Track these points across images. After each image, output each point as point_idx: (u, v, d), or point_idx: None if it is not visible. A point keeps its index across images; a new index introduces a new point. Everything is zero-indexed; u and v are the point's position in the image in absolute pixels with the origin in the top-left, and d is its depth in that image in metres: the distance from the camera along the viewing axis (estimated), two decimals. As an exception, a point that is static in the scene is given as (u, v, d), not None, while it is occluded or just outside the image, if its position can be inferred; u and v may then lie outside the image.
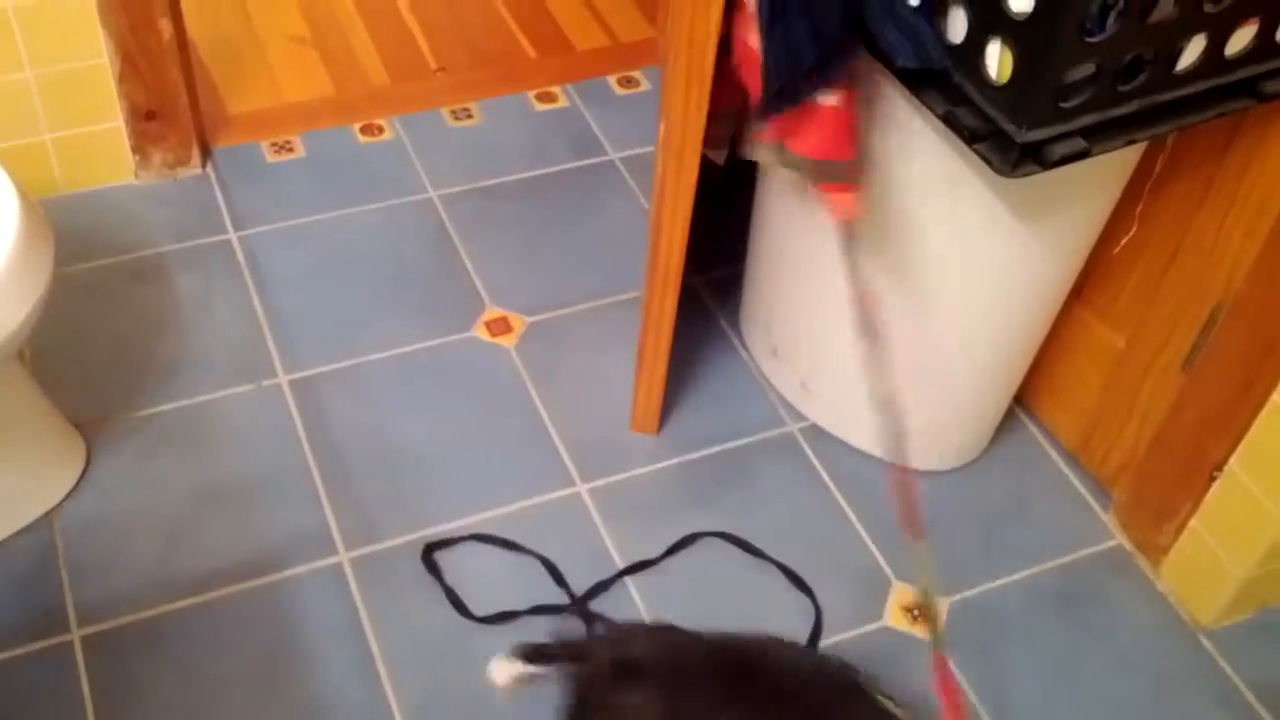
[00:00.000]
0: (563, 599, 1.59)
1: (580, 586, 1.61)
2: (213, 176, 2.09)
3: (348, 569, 1.60)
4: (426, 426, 1.77)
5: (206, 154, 2.12)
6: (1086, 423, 1.76)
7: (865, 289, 1.44)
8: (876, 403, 1.43)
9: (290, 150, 2.15)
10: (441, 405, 1.80)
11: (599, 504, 1.71)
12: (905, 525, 1.46)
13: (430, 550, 1.62)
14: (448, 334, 1.89)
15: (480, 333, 1.90)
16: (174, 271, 1.94)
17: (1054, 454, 1.83)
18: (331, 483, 1.69)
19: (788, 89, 1.35)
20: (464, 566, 1.62)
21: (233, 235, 2.00)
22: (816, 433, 1.82)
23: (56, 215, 1.85)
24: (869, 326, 1.44)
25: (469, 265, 1.99)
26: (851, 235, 1.44)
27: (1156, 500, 1.66)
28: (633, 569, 1.63)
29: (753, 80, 1.36)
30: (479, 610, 1.56)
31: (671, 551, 1.66)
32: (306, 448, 1.73)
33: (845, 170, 1.41)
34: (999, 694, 1.56)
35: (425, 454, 1.74)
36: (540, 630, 1.55)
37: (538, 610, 1.57)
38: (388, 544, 1.63)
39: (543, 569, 1.62)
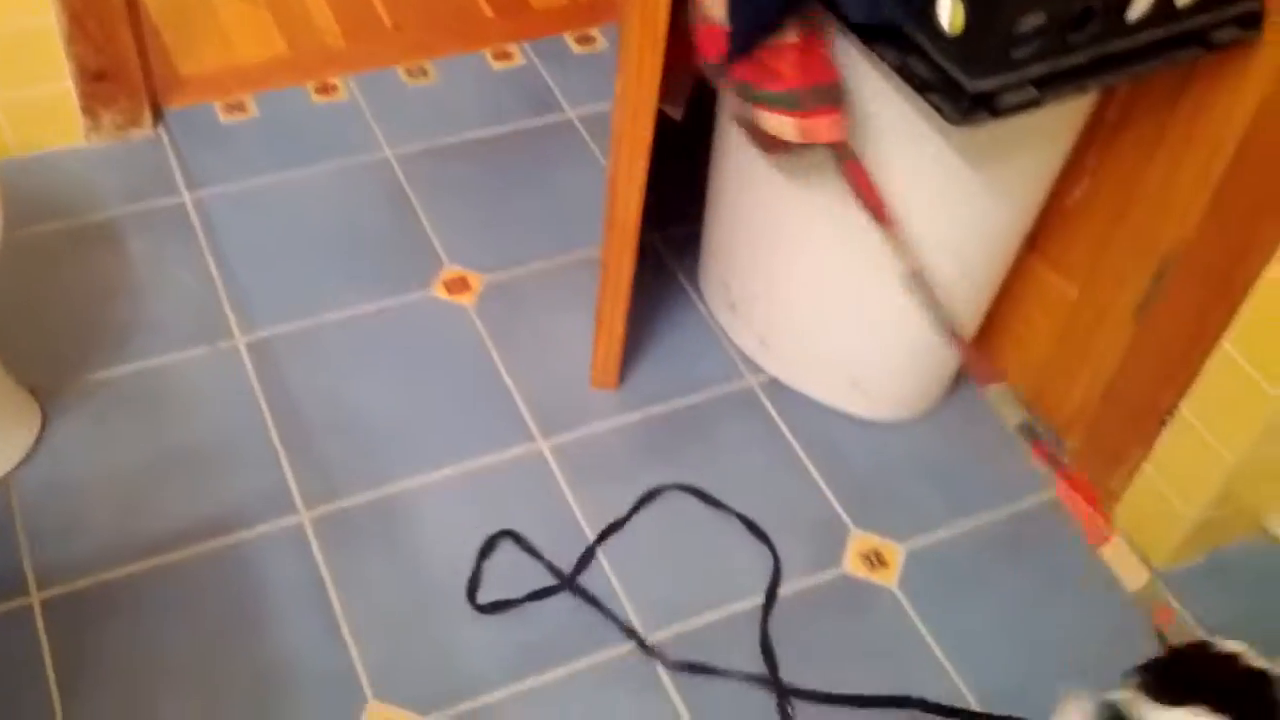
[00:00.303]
0: (533, 563, 1.60)
1: (547, 545, 1.61)
2: (165, 138, 2.07)
3: (308, 529, 1.60)
4: (386, 386, 1.77)
5: (158, 115, 2.09)
6: (1039, 372, 1.79)
7: (868, 175, 1.43)
8: (907, 283, 1.45)
9: (243, 111, 2.13)
10: (400, 364, 1.80)
11: (560, 460, 1.71)
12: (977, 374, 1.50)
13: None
14: (406, 293, 1.89)
15: (438, 292, 1.90)
16: (127, 234, 1.92)
17: (1009, 402, 1.85)
18: (290, 443, 1.69)
19: (750, 42, 1.35)
20: (427, 527, 1.62)
21: (186, 197, 1.98)
22: (775, 386, 1.83)
23: (6, 178, 1.84)
24: (880, 212, 1.45)
25: (426, 225, 1.99)
26: (841, 156, 1.44)
27: (1109, 446, 1.68)
28: (605, 534, 1.64)
29: (710, 44, 1.37)
30: (445, 577, 1.57)
31: (637, 509, 1.67)
32: (264, 409, 1.72)
33: (827, 93, 1.40)
34: (955, 641, 1.58)
35: (385, 413, 1.74)
36: (537, 614, 1.57)
37: (534, 596, 1.56)
38: (349, 502, 1.64)
39: (510, 522, 1.63)
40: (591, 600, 1.56)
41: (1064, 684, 1.23)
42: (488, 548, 1.60)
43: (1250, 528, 1.71)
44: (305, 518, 1.61)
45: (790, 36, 1.35)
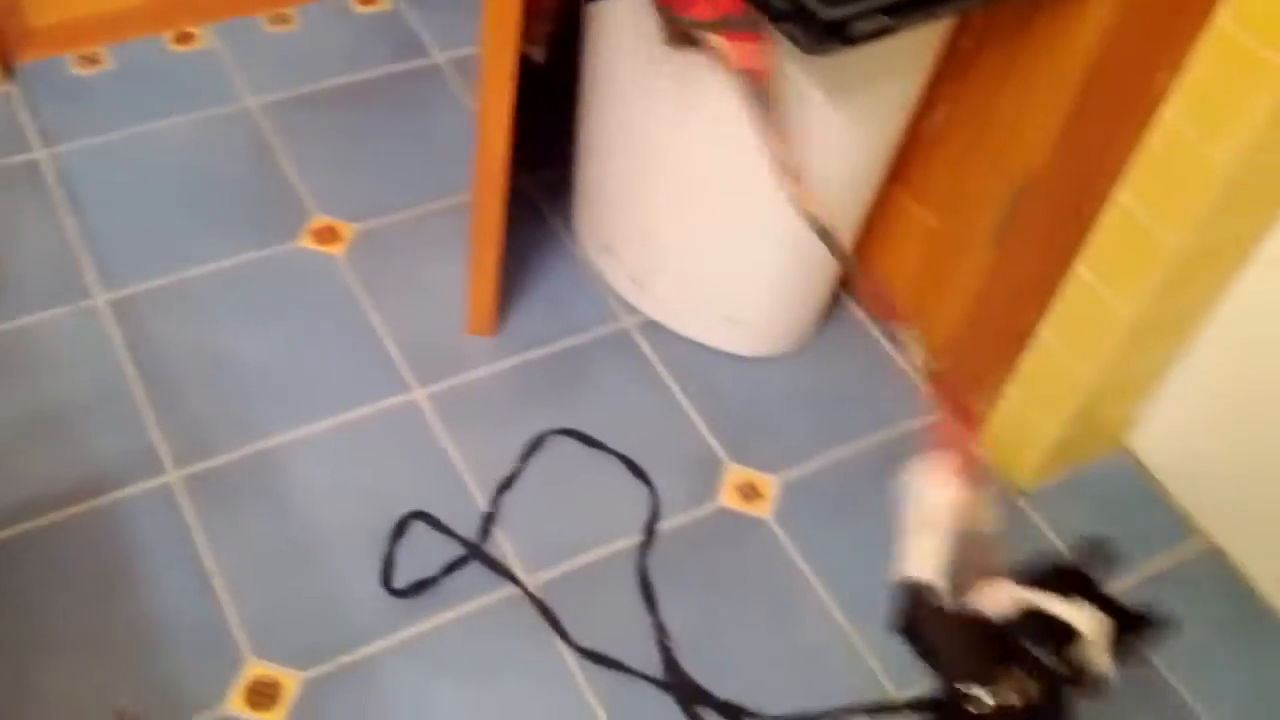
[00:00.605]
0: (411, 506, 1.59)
1: (428, 495, 1.61)
2: (16, 93, 1.99)
3: (179, 487, 1.58)
4: (255, 339, 1.74)
5: (8, 70, 2.01)
6: (908, 301, 1.82)
7: (777, 131, 1.43)
8: (816, 232, 1.43)
9: (98, 62, 2.06)
10: (270, 317, 1.77)
11: (437, 408, 1.70)
12: (882, 312, 1.50)
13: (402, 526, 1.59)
14: (273, 245, 1.85)
15: (307, 242, 1.87)
16: (-22, 193, 1.86)
17: (878, 334, 1.88)
18: (158, 402, 1.65)
19: None
20: (302, 481, 1.61)
21: (41, 153, 1.92)
22: (651, 327, 1.84)
23: None
24: (789, 168, 1.45)
25: (292, 174, 1.95)
26: (760, 87, 1.43)
27: (974, 370, 1.73)
28: (501, 489, 1.63)
29: None
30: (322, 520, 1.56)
31: (525, 459, 1.67)
32: (130, 368, 1.68)
33: (743, 22, 1.39)
34: (831, 565, 1.62)
35: (255, 367, 1.71)
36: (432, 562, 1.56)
37: (449, 569, 1.54)
38: (220, 460, 1.61)
39: (390, 480, 1.62)
40: (495, 565, 1.55)
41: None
42: (396, 532, 1.57)
43: (1109, 445, 1.77)
44: (175, 476, 1.59)
45: None
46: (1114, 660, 1.21)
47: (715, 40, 1.39)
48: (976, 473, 1.32)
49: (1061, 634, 1.20)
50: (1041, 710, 1.19)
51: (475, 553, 1.56)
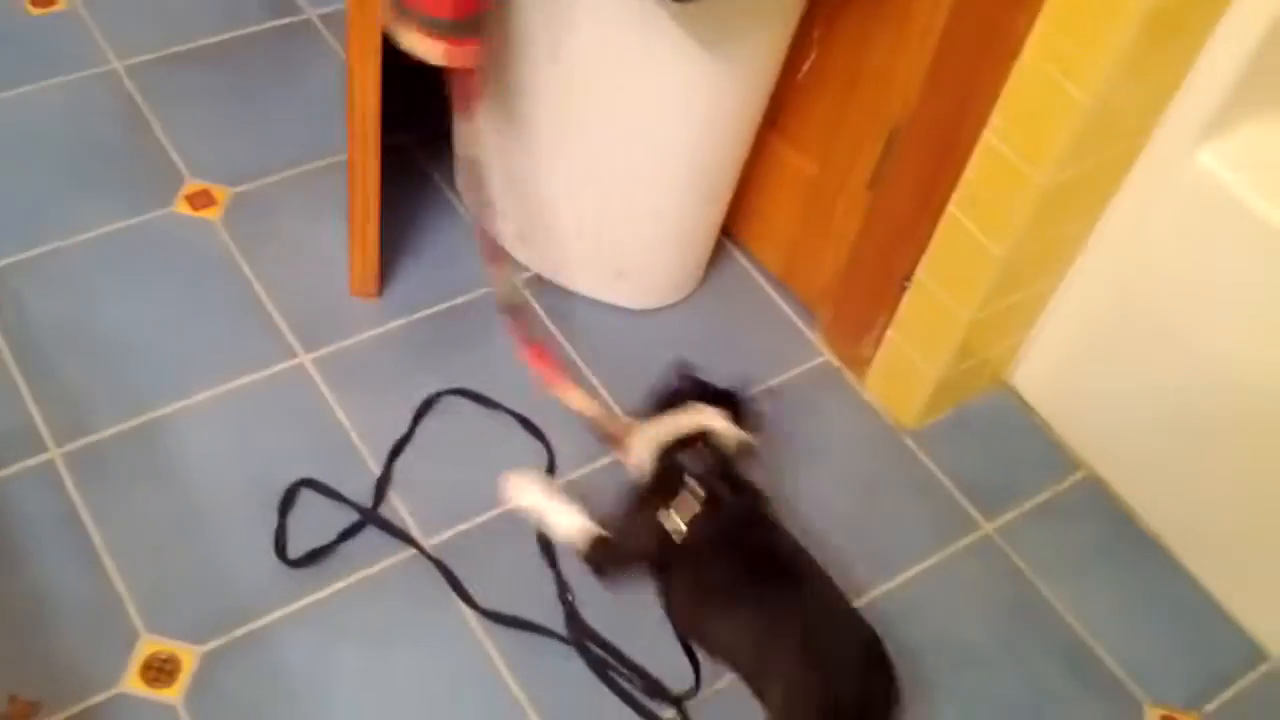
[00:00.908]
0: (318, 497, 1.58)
1: (322, 466, 1.59)
2: None
3: (60, 464, 1.54)
4: (133, 309, 1.70)
5: None
6: (789, 248, 1.84)
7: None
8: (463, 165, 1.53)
9: (-48, 27, 1.98)
10: (147, 286, 1.73)
11: (324, 373, 1.69)
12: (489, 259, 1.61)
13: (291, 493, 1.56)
14: (146, 211, 1.81)
15: (181, 208, 1.82)
16: None
17: (762, 281, 1.91)
18: (34, 378, 1.61)
19: None
20: (189, 453, 1.58)
21: (-108, 124, 1.85)
22: (536, 281, 1.84)
23: None
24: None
25: (163, 138, 1.90)
26: (469, 102, 1.51)
27: (856, 315, 1.76)
28: (394, 453, 1.62)
29: None
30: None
31: (417, 421, 1.66)
32: (2, 342, 1.63)
33: (478, 23, 1.42)
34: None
35: (134, 338, 1.67)
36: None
37: (344, 536, 1.53)
38: (103, 434, 1.58)
39: (280, 447, 1.60)
40: (392, 529, 1.55)
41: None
42: (286, 502, 1.55)
43: (990, 382, 1.82)
44: (56, 454, 1.55)
45: None
46: (746, 430, 1.43)
47: (434, 47, 1.41)
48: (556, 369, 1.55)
49: (698, 439, 1.40)
50: (725, 499, 1.37)
51: (370, 517, 1.56)
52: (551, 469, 1.64)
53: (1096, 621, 1.62)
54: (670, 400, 1.45)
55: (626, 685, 1.47)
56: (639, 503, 1.42)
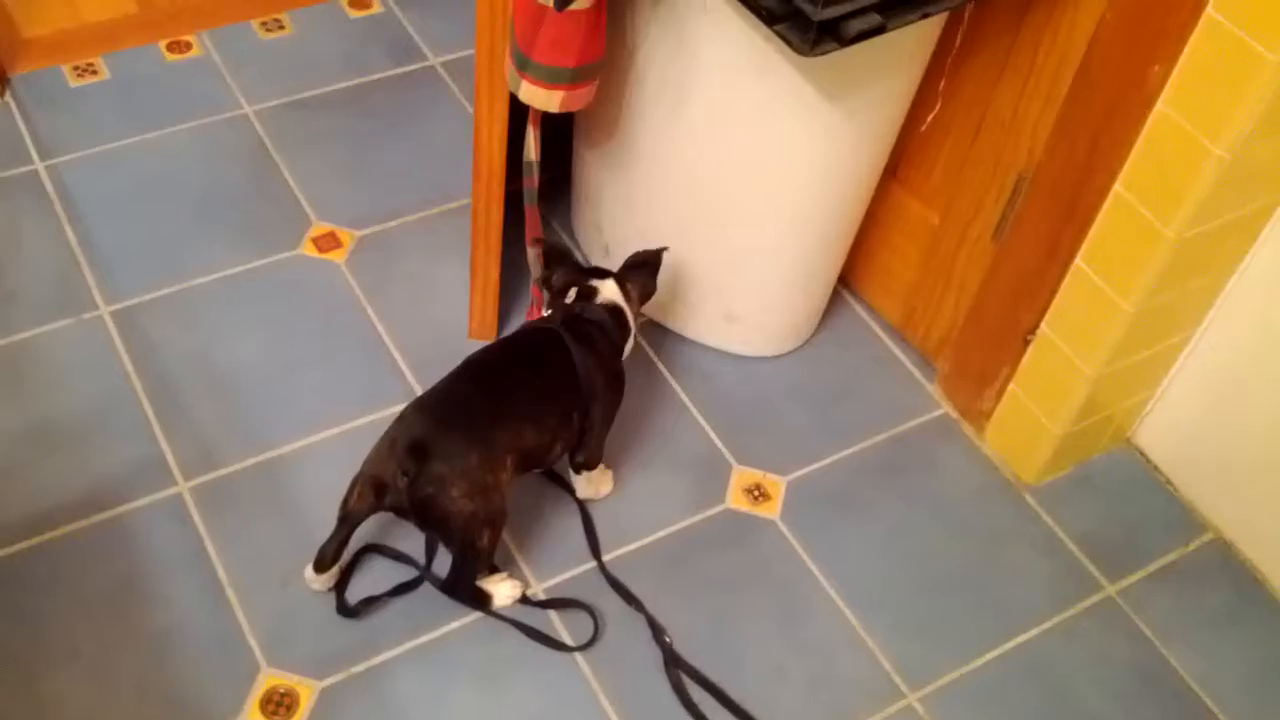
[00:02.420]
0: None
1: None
2: (13, 105, 1.99)
3: (189, 498, 1.58)
4: (259, 348, 1.74)
5: (4, 82, 2.01)
6: (908, 299, 1.82)
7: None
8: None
9: (94, 73, 2.06)
10: (273, 325, 1.77)
11: (441, 413, 1.71)
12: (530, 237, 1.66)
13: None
14: (274, 253, 1.85)
15: (308, 249, 1.87)
16: (-22, 207, 1.86)
17: (880, 331, 1.89)
18: (164, 413, 1.66)
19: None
20: (311, 489, 1.61)
21: (39, 165, 1.92)
22: (652, 327, 1.84)
23: None
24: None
25: (291, 181, 1.95)
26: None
27: (976, 368, 1.73)
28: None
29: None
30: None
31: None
32: (135, 379, 1.69)
33: (595, 68, 1.45)
34: (839, 565, 1.62)
35: (260, 376, 1.71)
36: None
37: (398, 591, 1.52)
38: (229, 469, 1.61)
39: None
40: (450, 588, 1.52)
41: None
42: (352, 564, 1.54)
43: (1114, 439, 1.77)
44: (184, 487, 1.59)
45: (587, 1, 1.36)
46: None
47: (553, 96, 1.45)
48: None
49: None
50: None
51: (427, 575, 1.53)
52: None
53: (1224, 691, 1.57)
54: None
55: None
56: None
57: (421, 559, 1.54)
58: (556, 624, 1.53)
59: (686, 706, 1.47)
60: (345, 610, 1.50)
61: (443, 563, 1.51)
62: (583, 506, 1.63)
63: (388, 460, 1.40)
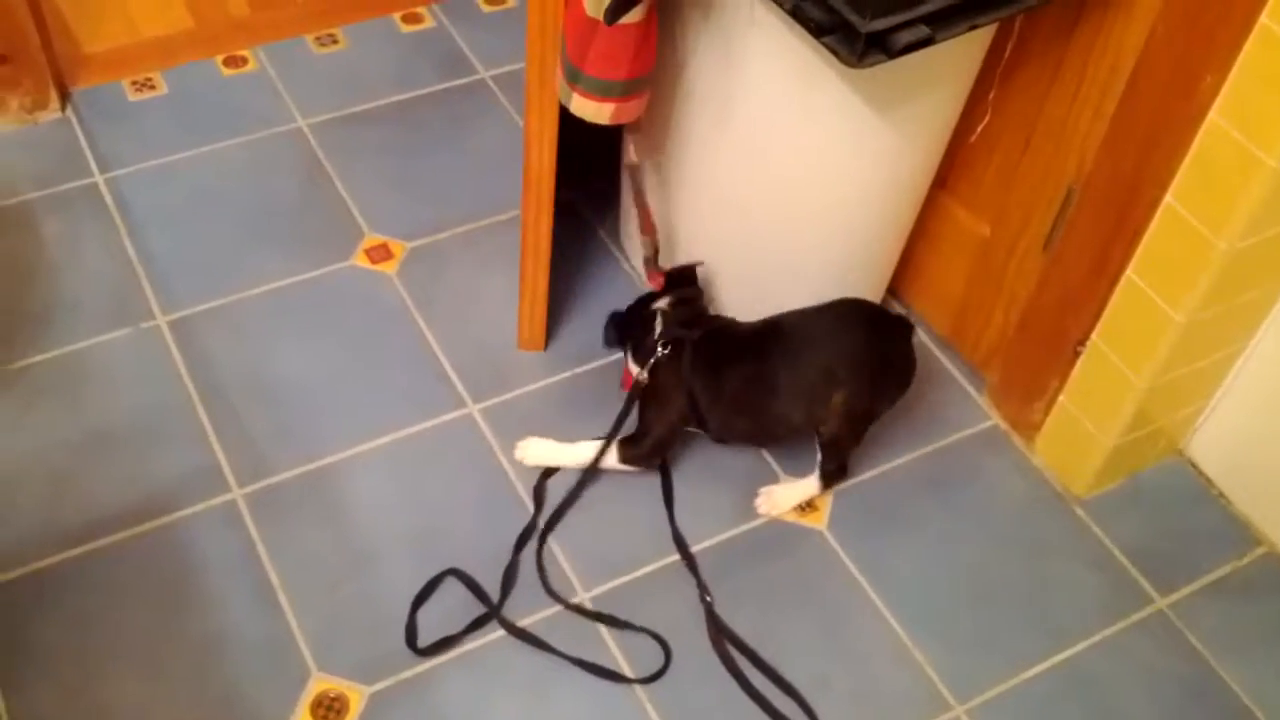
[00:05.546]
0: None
1: (487, 511, 1.62)
2: (74, 119, 2.04)
3: (242, 505, 1.61)
4: (312, 358, 1.77)
5: (65, 96, 2.06)
6: (957, 309, 1.82)
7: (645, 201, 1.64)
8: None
9: (152, 88, 2.10)
10: (326, 336, 1.80)
11: (491, 423, 1.72)
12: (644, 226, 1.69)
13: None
14: (327, 264, 1.88)
15: (360, 261, 1.89)
16: (40, 218, 1.89)
17: (929, 341, 1.89)
18: (219, 421, 1.69)
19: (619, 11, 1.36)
20: (362, 497, 1.63)
21: (99, 178, 1.96)
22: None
23: (-90, 168, 1.80)
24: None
25: (344, 193, 1.98)
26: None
27: (1026, 379, 1.72)
28: (551, 523, 1.63)
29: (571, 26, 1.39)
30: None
31: (579, 490, 1.65)
32: (190, 388, 1.72)
33: (646, 81, 1.46)
34: (886, 576, 1.62)
35: (313, 385, 1.74)
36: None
37: (472, 627, 1.52)
38: (282, 477, 1.64)
39: (448, 494, 1.64)
40: (520, 632, 1.53)
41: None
42: (423, 594, 1.55)
43: (1165, 451, 1.76)
44: (238, 494, 1.62)
45: (637, 15, 1.37)
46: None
47: (603, 109, 1.47)
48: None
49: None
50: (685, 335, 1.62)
51: (495, 613, 1.54)
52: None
53: (1278, 706, 1.55)
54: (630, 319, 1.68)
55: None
56: (653, 389, 1.62)
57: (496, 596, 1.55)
58: (606, 639, 1.54)
59: (735, 677, 1.49)
60: (415, 645, 1.50)
61: (513, 605, 1.54)
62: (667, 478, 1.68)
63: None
